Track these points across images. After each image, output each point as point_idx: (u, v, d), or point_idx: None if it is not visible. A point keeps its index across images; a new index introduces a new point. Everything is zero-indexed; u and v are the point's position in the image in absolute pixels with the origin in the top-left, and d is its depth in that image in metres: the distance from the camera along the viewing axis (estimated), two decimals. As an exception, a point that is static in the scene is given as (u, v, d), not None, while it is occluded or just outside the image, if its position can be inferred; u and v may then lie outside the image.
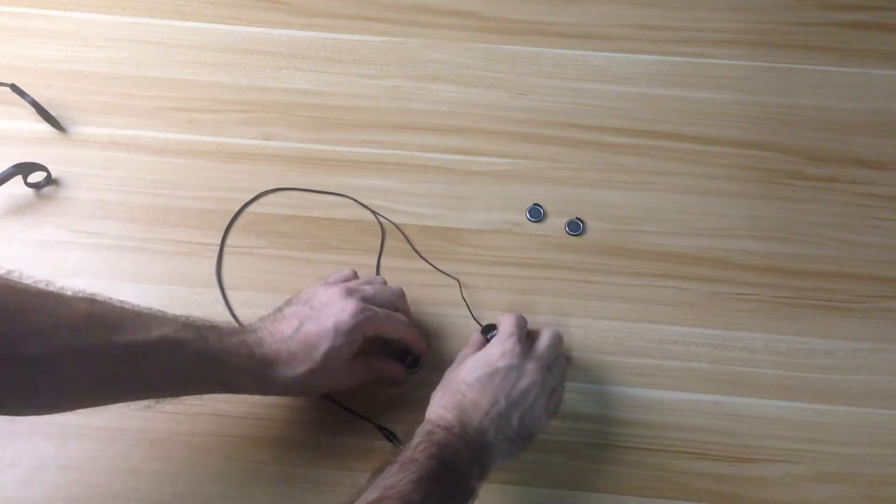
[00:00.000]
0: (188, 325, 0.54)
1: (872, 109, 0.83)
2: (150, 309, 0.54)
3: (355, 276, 0.67)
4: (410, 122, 0.82)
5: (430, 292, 0.73)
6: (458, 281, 0.73)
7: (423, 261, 0.74)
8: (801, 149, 0.81)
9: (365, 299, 0.61)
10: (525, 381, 0.59)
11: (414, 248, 0.75)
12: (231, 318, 0.71)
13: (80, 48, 0.85)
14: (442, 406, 0.57)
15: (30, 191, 0.76)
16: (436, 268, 0.74)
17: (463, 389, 0.58)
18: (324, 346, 0.57)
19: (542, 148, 0.81)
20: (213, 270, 0.73)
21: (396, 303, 0.65)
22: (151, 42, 0.86)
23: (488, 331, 0.67)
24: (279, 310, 0.61)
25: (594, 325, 0.72)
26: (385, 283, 0.67)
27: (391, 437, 0.65)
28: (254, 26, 0.87)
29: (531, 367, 0.60)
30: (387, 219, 0.76)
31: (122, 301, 0.53)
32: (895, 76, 0.85)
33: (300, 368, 0.57)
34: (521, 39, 0.87)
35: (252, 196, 0.77)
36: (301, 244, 0.75)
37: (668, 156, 0.80)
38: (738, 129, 0.82)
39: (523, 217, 0.77)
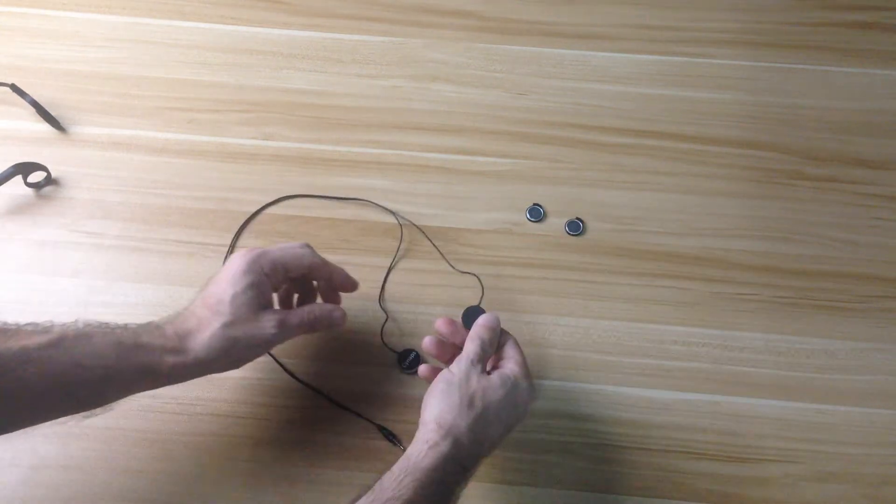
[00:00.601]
0: (90, 323, 0.53)
1: (872, 109, 0.83)
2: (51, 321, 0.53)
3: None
4: (410, 122, 0.82)
5: (436, 292, 0.73)
6: (478, 277, 0.73)
7: (430, 261, 0.74)
8: (801, 149, 0.81)
9: (267, 252, 0.59)
10: (524, 419, 0.59)
11: (438, 250, 0.75)
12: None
13: (80, 48, 0.85)
14: (468, 428, 0.53)
15: (30, 191, 0.76)
16: (454, 267, 0.74)
17: (491, 420, 0.54)
18: (227, 296, 0.55)
19: (542, 148, 0.81)
20: (213, 270, 0.72)
21: (300, 251, 0.61)
22: (151, 42, 0.86)
23: (472, 314, 0.67)
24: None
25: (594, 325, 0.72)
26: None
27: (391, 437, 0.65)
28: (254, 26, 0.87)
29: (531, 402, 0.59)
30: (408, 220, 0.76)
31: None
32: (895, 76, 0.85)
33: (214, 325, 0.54)
34: (521, 39, 0.87)
35: (255, 196, 0.77)
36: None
37: (668, 156, 0.80)
38: (738, 129, 0.82)
39: (523, 217, 0.77)
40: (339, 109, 0.83)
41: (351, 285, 0.64)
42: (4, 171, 0.72)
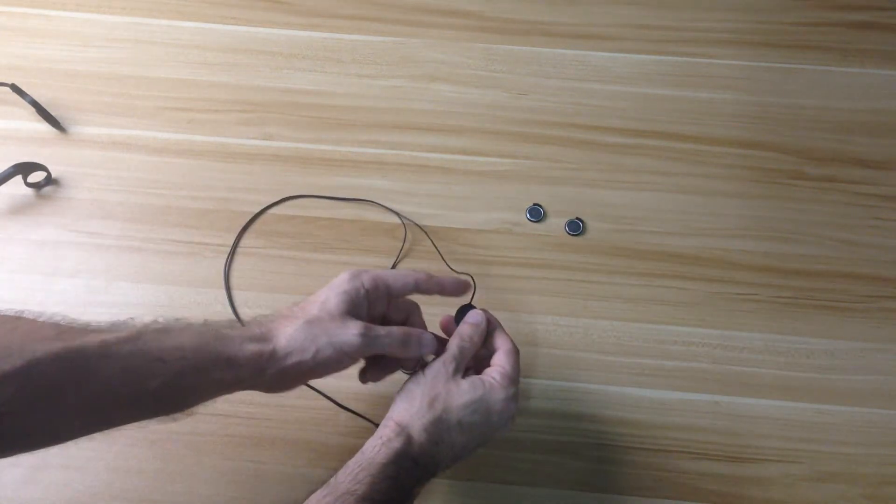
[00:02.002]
0: (170, 320, 0.52)
1: (872, 109, 0.83)
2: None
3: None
4: (410, 122, 0.82)
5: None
6: (471, 276, 0.73)
7: (430, 261, 0.74)
8: (801, 149, 0.81)
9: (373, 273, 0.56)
10: (505, 430, 0.56)
11: (437, 250, 0.75)
12: (233, 318, 0.71)
13: (80, 48, 0.85)
14: (423, 427, 0.52)
15: (30, 191, 0.76)
16: (450, 267, 0.74)
17: (451, 424, 0.53)
18: (319, 299, 0.54)
19: (542, 148, 0.81)
20: (213, 270, 0.73)
21: (405, 271, 0.59)
22: (151, 42, 0.86)
23: (463, 313, 0.67)
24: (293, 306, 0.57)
25: (594, 325, 0.72)
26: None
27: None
28: (254, 26, 0.87)
29: (514, 414, 0.56)
30: (411, 220, 0.76)
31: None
32: (895, 76, 0.85)
33: (299, 320, 0.53)
34: (521, 39, 0.87)
35: (255, 196, 0.77)
36: (302, 244, 0.75)
37: (668, 156, 0.80)
38: (738, 129, 0.82)
39: (523, 217, 0.77)
40: (339, 109, 0.83)
41: (464, 287, 0.60)
42: (4, 171, 0.72)
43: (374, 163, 0.80)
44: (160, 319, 0.51)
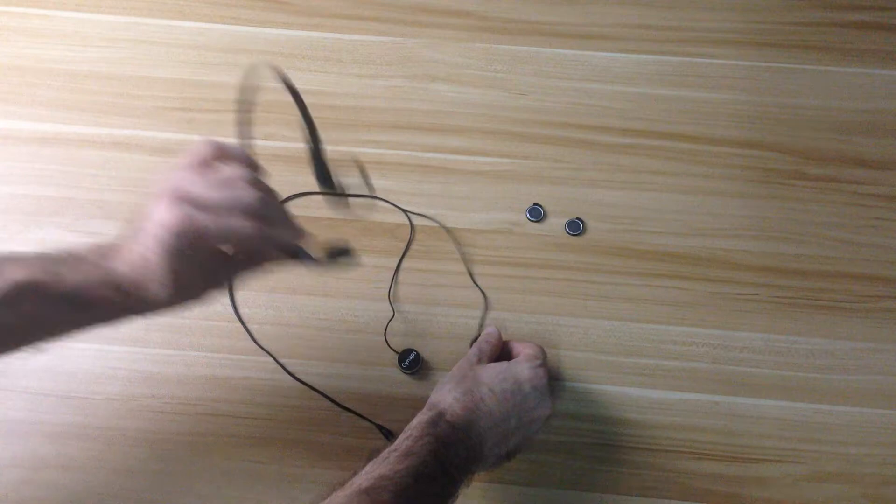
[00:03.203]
0: (44, 262, 0.48)
1: (872, 109, 0.83)
2: (5, 254, 0.48)
3: (215, 152, 0.51)
4: (410, 122, 0.82)
5: (431, 291, 0.73)
6: (483, 293, 0.73)
7: (431, 261, 0.74)
8: (801, 149, 0.81)
9: (194, 202, 0.47)
10: (540, 412, 0.59)
11: (460, 253, 0.75)
12: (235, 318, 0.71)
13: (80, 48, 0.85)
14: (455, 399, 0.56)
15: (31, 190, 0.76)
16: (472, 277, 0.74)
17: (483, 393, 0.57)
18: (167, 268, 0.47)
19: (542, 148, 0.81)
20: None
21: (247, 196, 0.49)
22: (151, 42, 0.86)
23: None
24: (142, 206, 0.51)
25: (594, 325, 0.72)
26: (250, 166, 0.53)
27: (391, 436, 0.65)
28: (254, 26, 0.87)
29: (549, 401, 0.60)
30: (435, 221, 0.76)
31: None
32: (895, 76, 0.85)
33: (160, 292, 0.48)
34: (521, 39, 0.87)
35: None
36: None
37: (668, 156, 0.80)
38: (738, 129, 0.82)
39: (523, 217, 0.77)
40: (338, 109, 0.83)
41: (297, 234, 0.54)
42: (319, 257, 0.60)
43: (374, 163, 0.80)
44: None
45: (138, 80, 0.84)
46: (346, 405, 0.67)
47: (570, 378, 0.70)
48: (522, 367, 0.60)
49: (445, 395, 0.56)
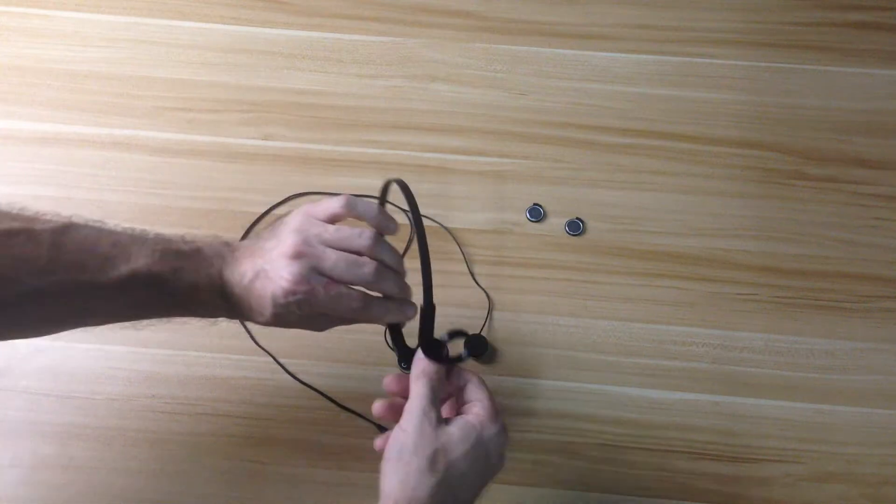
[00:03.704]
0: (166, 253, 0.49)
1: (872, 109, 0.83)
2: (131, 231, 0.50)
3: (347, 211, 0.51)
4: (410, 122, 0.82)
5: (440, 293, 0.72)
6: (487, 293, 0.73)
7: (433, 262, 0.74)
8: (801, 149, 0.81)
9: (318, 269, 0.49)
10: (500, 468, 0.50)
11: (463, 253, 0.75)
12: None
13: (80, 48, 0.85)
14: (429, 496, 0.45)
15: (31, 190, 0.76)
16: (474, 278, 0.74)
17: (456, 483, 0.47)
18: (269, 311, 0.49)
19: (542, 148, 0.81)
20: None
21: (366, 274, 0.50)
22: (151, 42, 0.86)
23: (475, 343, 0.67)
24: (260, 235, 0.53)
25: (594, 325, 0.72)
26: (373, 241, 0.51)
27: (391, 437, 0.65)
28: (254, 26, 0.87)
29: (506, 447, 0.50)
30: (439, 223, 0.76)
31: (99, 223, 0.50)
32: (895, 76, 0.85)
33: (261, 319, 0.50)
34: (521, 39, 0.87)
35: (255, 196, 0.77)
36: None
37: (668, 156, 0.80)
38: (738, 129, 0.82)
39: (523, 217, 0.77)
40: (338, 109, 0.83)
41: (405, 317, 0.54)
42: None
43: (374, 163, 0.80)
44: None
45: (138, 80, 0.84)
46: (346, 405, 0.67)
47: (570, 378, 0.70)
48: (491, 436, 0.49)
49: (417, 491, 0.45)
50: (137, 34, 0.87)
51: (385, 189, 0.54)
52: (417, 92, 0.84)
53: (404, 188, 0.52)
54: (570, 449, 0.67)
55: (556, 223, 0.77)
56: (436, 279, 0.73)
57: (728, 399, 0.69)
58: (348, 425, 0.66)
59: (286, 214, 0.53)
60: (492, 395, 0.51)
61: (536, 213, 0.77)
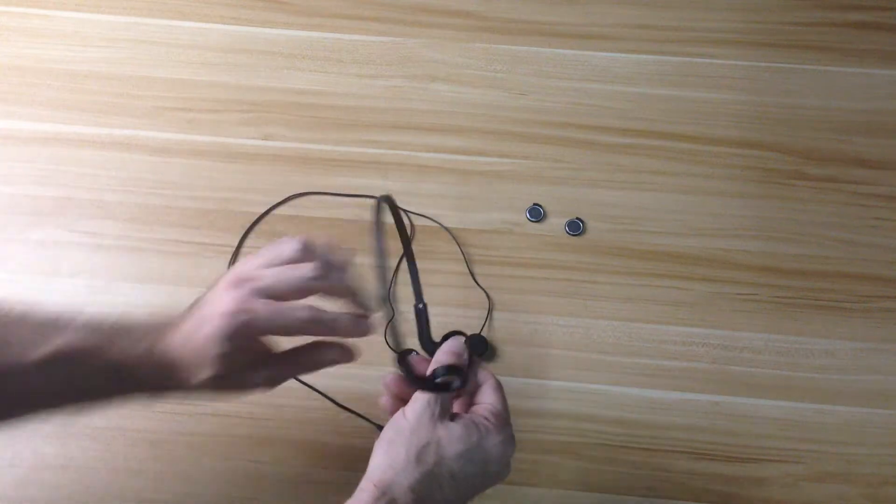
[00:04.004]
0: (92, 330, 0.47)
1: (872, 109, 0.83)
2: (55, 313, 0.47)
3: (301, 255, 0.49)
4: (410, 122, 0.82)
5: (431, 291, 0.72)
6: (487, 293, 0.73)
7: (432, 261, 0.74)
8: (801, 149, 0.81)
9: (259, 290, 0.46)
10: (503, 478, 0.48)
11: (464, 254, 0.75)
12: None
13: (80, 48, 0.85)
14: (411, 486, 0.43)
15: (31, 190, 0.76)
16: (474, 277, 0.74)
17: (444, 479, 0.44)
18: (214, 352, 0.46)
19: (542, 148, 0.81)
20: (213, 270, 0.73)
21: (313, 286, 0.48)
22: (151, 42, 0.86)
23: (474, 344, 0.67)
24: (205, 291, 0.50)
25: (594, 325, 0.72)
26: (304, 244, 0.49)
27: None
28: (254, 26, 0.87)
29: (511, 458, 0.48)
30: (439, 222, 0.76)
31: (22, 307, 0.47)
32: (895, 76, 0.85)
33: (202, 375, 0.47)
34: (521, 39, 0.87)
35: (255, 196, 0.77)
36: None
37: (668, 156, 0.80)
38: (738, 129, 0.82)
39: (523, 217, 0.77)
40: (339, 109, 0.83)
41: (364, 328, 0.51)
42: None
43: (374, 163, 0.80)
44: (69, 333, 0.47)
45: (138, 80, 0.84)
46: (346, 405, 0.67)
47: (570, 378, 0.70)
48: (493, 443, 0.46)
49: (399, 476, 0.44)
50: (137, 34, 0.87)
51: (378, 208, 0.47)
52: (417, 92, 0.84)
53: (393, 207, 0.50)
54: (570, 449, 0.67)
55: (556, 223, 0.77)
56: (436, 279, 0.73)
57: (728, 399, 0.69)
58: (348, 425, 0.66)
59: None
60: (505, 400, 0.49)
61: (536, 213, 0.77)
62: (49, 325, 0.46)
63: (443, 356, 0.48)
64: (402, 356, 0.45)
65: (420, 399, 0.46)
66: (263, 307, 0.46)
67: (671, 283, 0.74)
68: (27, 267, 0.73)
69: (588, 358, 0.70)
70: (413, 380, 0.47)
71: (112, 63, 0.85)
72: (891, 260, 0.75)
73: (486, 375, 0.50)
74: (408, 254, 0.52)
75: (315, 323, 0.48)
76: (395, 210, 0.51)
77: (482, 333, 0.71)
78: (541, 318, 0.72)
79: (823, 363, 0.71)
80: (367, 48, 0.86)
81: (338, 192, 0.78)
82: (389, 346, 0.70)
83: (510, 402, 0.69)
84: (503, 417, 0.48)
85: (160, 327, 0.48)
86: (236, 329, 0.45)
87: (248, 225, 0.76)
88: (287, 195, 0.77)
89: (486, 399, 0.49)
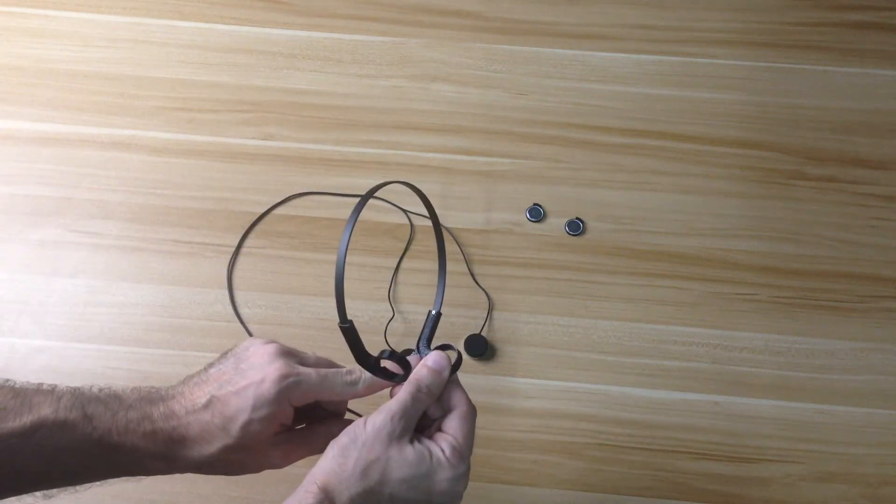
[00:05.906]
0: (77, 399, 0.46)
1: (872, 109, 0.83)
2: (36, 385, 0.46)
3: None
4: (410, 122, 0.82)
5: (431, 291, 0.73)
6: (487, 293, 0.73)
7: (429, 261, 0.74)
8: (801, 149, 0.81)
9: (303, 362, 0.49)
10: None
11: (463, 254, 0.75)
12: (235, 318, 0.71)
13: (80, 48, 0.85)
14: (350, 499, 0.44)
15: (31, 190, 0.76)
16: (474, 277, 0.74)
17: (385, 501, 0.45)
18: (241, 419, 0.46)
19: (542, 148, 0.81)
20: (213, 270, 0.73)
21: (342, 388, 0.50)
22: (151, 42, 0.86)
23: (474, 344, 0.67)
24: (208, 367, 0.49)
25: (594, 325, 0.72)
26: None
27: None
28: (254, 26, 0.87)
29: (460, 496, 0.47)
30: (439, 226, 0.76)
31: (5, 377, 0.46)
32: (895, 76, 0.85)
33: (214, 445, 0.46)
34: (521, 39, 0.87)
35: (255, 196, 0.77)
36: (303, 244, 0.75)
37: (668, 156, 0.80)
38: (738, 129, 0.82)
39: (523, 217, 0.77)
40: (339, 109, 0.83)
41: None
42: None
43: (374, 163, 0.80)
44: (70, 399, 0.46)
45: (138, 80, 0.84)
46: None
47: (570, 378, 0.70)
48: (442, 478, 0.45)
49: (343, 485, 0.44)
50: (137, 34, 0.87)
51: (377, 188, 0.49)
52: (417, 92, 0.84)
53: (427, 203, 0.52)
54: (570, 449, 0.67)
55: (556, 223, 0.77)
56: (434, 278, 0.73)
57: (728, 399, 0.69)
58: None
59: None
60: (471, 432, 0.47)
61: (536, 213, 0.77)
62: (26, 396, 0.45)
63: (421, 370, 0.48)
64: (347, 331, 0.45)
65: (384, 412, 0.46)
66: (314, 371, 0.48)
67: (671, 283, 0.74)
68: (27, 267, 0.73)
69: (588, 358, 0.70)
70: (358, 353, 0.46)
71: (112, 63, 0.85)
72: (891, 260, 0.75)
73: (459, 400, 0.48)
74: (441, 263, 0.53)
75: (368, 387, 0.50)
76: (435, 220, 0.53)
77: (482, 333, 0.71)
78: (540, 318, 0.72)
79: (823, 363, 0.71)
80: (367, 48, 0.86)
81: (338, 192, 0.78)
82: (389, 346, 0.70)
83: (510, 401, 0.69)
84: (460, 453, 0.46)
85: (155, 397, 0.47)
86: (283, 392, 0.46)
87: (248, 225, 0.76)
88: (287, 195, 0.77)
89: (451, 428, 0.47)
